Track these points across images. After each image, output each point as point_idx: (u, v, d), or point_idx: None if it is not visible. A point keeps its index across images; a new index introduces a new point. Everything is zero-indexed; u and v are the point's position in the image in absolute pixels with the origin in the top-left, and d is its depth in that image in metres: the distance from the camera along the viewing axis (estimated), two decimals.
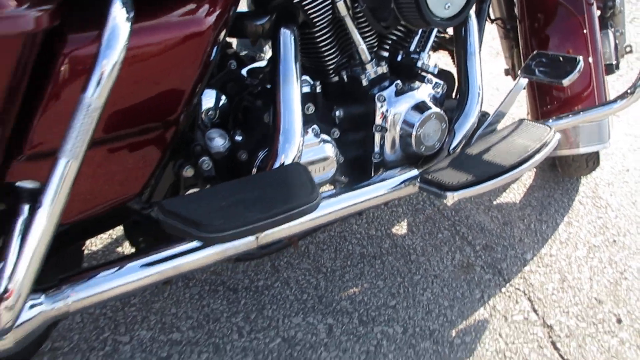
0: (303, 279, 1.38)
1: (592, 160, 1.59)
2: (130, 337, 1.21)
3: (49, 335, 1.11)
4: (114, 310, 1.26)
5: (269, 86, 1.06)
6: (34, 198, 0.72)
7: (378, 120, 1.14)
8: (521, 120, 1.25)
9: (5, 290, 0.69)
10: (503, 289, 1.39)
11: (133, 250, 1.10)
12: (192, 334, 1.23)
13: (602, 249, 1.51)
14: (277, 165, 0.96)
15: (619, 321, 1.33)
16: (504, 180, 1.10)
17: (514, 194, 1.69)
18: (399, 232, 1.53)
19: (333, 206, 1.02)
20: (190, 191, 1.02)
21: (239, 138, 1.03)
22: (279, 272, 1.39)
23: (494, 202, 1.66)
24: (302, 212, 0.78)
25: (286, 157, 0.96)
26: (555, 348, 1.26)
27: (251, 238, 0.93)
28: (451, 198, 1.05)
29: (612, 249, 1.51)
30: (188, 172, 0.96)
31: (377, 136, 1.16)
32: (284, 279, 1.37)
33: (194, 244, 0.87)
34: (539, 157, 1.13)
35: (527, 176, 1.75)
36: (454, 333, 1.28)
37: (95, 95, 0.68)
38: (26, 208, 0.77)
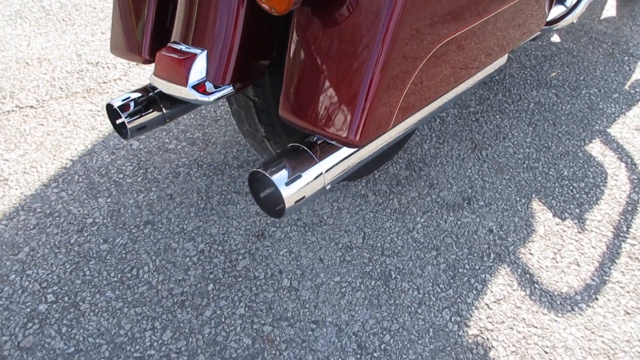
0: (519, 73, 2.00)
1: None
2: (446, 113, 1.79)
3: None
4: None
5: None
6: None
7: None
8: None
9: None
10: (638, 62, 2.09)
11: None
12: (479, 107, 1.82)
13: None
14: None
15: None
16: None
17: (610, 12, 2.37)
18: (556, 41, 2.17)
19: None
20: None
21: None
22: (503, 81, 2.00)
23: (602, 17, 2.33)
24: None
25: None
26: None
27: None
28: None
29: None
30: None
31: None
32: (507, 81, 1.99)
33: None
34: None
35: (612, 5, 2.44)
36: (627, 87, 1.96)
37: None
38: None
